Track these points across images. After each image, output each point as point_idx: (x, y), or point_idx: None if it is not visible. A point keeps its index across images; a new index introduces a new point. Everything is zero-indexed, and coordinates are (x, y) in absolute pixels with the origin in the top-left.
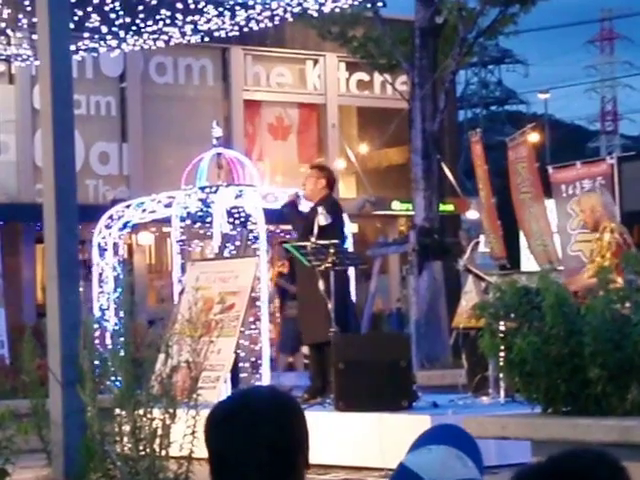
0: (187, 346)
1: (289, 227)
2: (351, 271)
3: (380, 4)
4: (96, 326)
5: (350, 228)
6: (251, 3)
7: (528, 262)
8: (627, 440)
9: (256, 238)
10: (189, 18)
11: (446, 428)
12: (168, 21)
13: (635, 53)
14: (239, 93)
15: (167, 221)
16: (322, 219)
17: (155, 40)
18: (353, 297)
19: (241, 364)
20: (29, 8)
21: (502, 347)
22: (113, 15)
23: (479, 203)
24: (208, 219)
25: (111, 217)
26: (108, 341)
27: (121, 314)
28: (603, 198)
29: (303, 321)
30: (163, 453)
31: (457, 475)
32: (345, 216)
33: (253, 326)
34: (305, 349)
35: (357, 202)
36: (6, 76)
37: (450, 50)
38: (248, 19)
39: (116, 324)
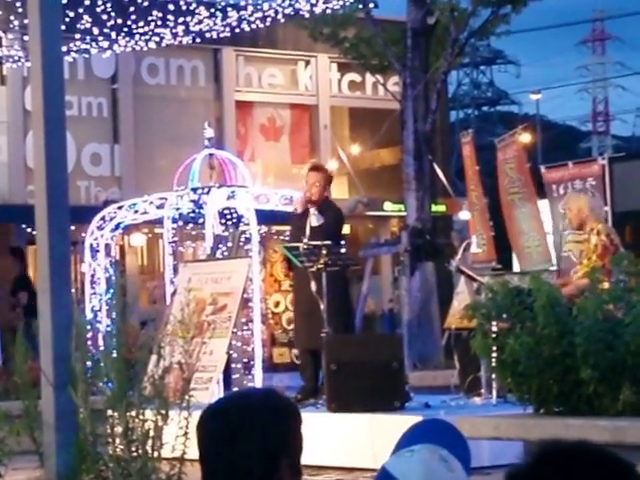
0: (179, 347)
1: (282, 228)
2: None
3: (372, 5)
4: (88, 327)
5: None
6: (243, 4)
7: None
8: (619, 441)
9: (248, 239)
10: (181, 19)
11: (432, 423)
12: (160, 22)
13: (627, 54)
14: (231, 94)
15: (159, 222)
16: (314, 220)
17: (147, 41)
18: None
19: (233, 365)
20: (20, 10)
21: (494, 347)
22: (105, 16)
23: (469, 203)
24: (200, 220)
25: (103, 218)
26: (100, 342)
27: (113, 315)
28: (591, 201)
29: (299, 324)
30: (155, 454)
31: None
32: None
33: (245, 327)
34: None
35: (349, 203)
36: None
37: (442, 51)
38: (240, 20)
39: (108, 325)
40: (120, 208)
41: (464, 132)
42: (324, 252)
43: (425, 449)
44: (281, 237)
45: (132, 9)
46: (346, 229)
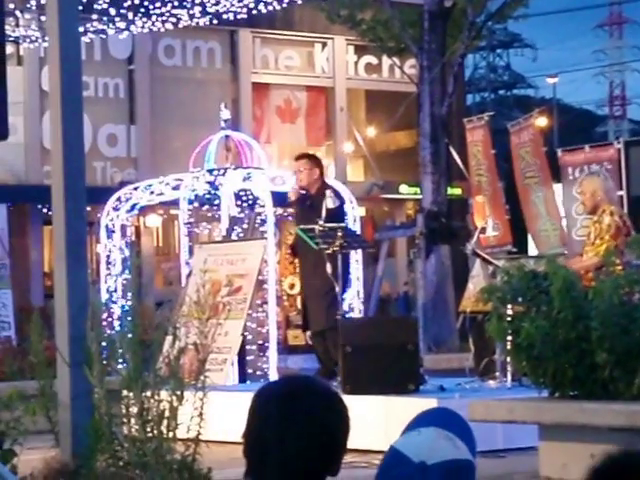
0: (195, 328)
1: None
2: (358, 254)
3: None
4: (104, 308)
5: (357, 211)
6: None
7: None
8: (634, 424)
9: (264, 221)
10: (198, 0)
11: (437, 411)
12: (177, 3)
13: None
14: (247, 76)
15: (175, 203)
16: (330, 202)
17: (164, 22)
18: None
19: (248, 347)
20: None
21: (509, 331)
22: None
23: (475, 188)
24: (216, 202)
25: (119, 199)
26: (116, 323)
27: (129, 296)
28: (605, 183)
29: (317, 306)
30: (170, 435)
31: (446, 455)
32: (347, 199)
33: (260, 309)
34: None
35: (365, 185)
36: (14, 58)
37: (459, 34)
38: (257, 1)
39: (123, 306)
40: (136, 189)
41: (473, 117)
42: (340, 234)
43: (431, 429)
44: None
45: None
46: (362, 211)
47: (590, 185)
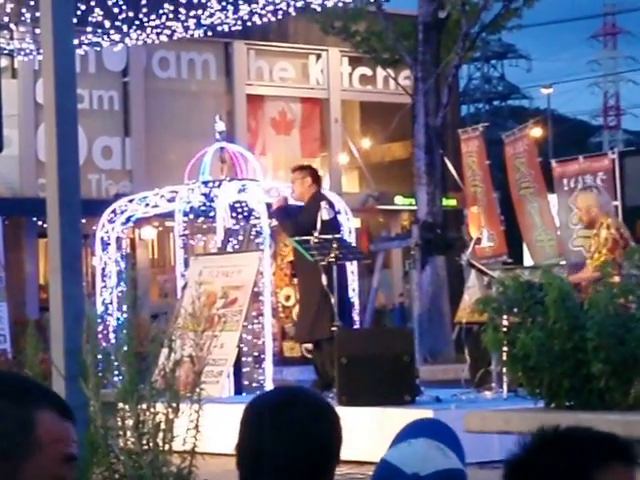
0: (190, 340)
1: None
2: (354, 266)
3: None
4: (99, 320)
5: (352, 223)
6: None
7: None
8: (630, 435)
9: (259, 233)
10: (192, 12)
11: (425, 422)
12: (171, 15)
13: (638, 48)
14: (242, 87)
15: (170, 215)
16: (325, 213)
17: (158, 34)
18: (352, 292)
19: (244, 359)
20: (32, 2)
21: (505, 342)
22: (116, 9)
23: (470, 198)
24: (211, 213)
25: (114, 211)
26: (111, 335)
27: (124, 308)
28: (599, 198)
29: (304, 318)
30: (166, 447)
31: (438, 466)
32: (343, 211)
33: (256, 320)
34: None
35: (360, 197)
36: (9, 70)
37: (453, 45)
38: (251, 13)
39: (119, 318)
40: (131, 201)
41: (468, 128)
42: (335, 245)
43: (421, 440)
44: None
45: (144, 2)
46: (357, 223)
47: (584, 201)
